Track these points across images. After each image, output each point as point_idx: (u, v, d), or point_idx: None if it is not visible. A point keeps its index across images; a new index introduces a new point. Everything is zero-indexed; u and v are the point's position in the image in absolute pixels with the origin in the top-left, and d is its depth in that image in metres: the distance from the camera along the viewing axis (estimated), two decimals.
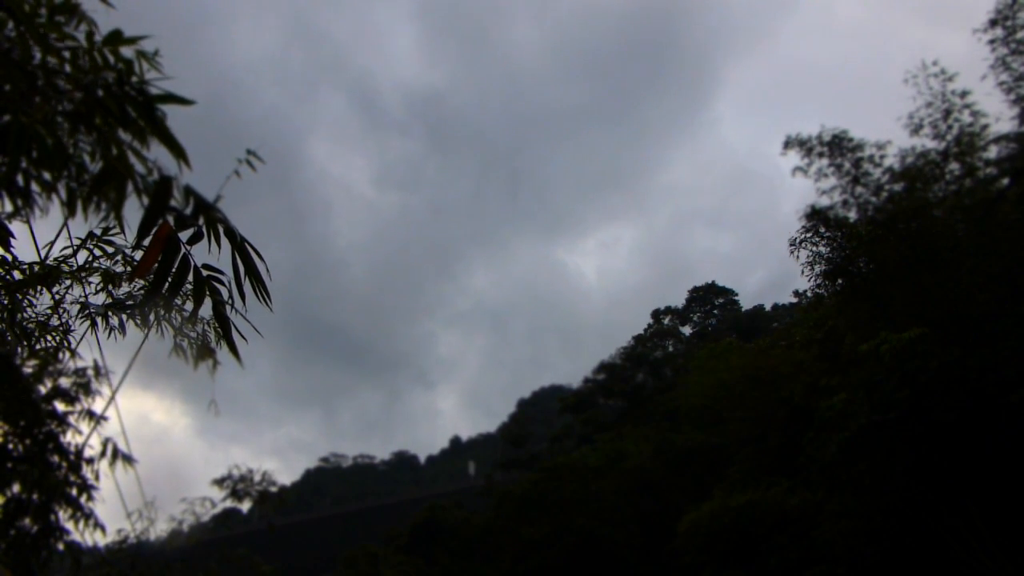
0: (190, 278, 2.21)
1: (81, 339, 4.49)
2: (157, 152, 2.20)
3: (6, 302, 4.10)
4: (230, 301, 2.33)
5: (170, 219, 2.06)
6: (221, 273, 2.27)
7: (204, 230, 2.09)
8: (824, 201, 20.96)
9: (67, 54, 2.47)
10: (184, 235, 2.12)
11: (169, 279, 2.13)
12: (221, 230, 2.12)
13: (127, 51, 2.52)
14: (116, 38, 2.41)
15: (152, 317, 4.15)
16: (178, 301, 3.63)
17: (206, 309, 2.31)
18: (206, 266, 2.24)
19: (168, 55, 2.55)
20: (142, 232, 2.04)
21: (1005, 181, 19.16)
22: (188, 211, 2.04)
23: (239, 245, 2.15)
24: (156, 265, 2.11)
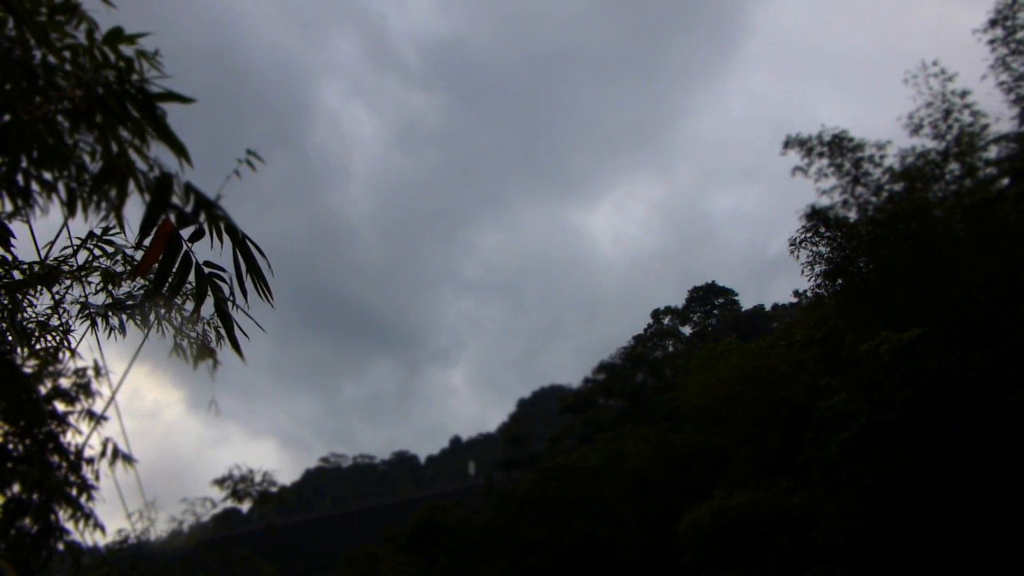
0: (191, 276, 2.21)
1: (81, 339, 4.49)
2: (158, 150, 2.19)
3: (6, 302, 4.10)
4: (231, 298, 2.33)
5: (171, 217, 2.05)
6: (223, 270, 2.27)
7: (205, 227, 2.09)
8: (824, 201, 20.99)
9: (67, 53, 2.46)
10: (185, 233, 2.12)
11: (171, 277, 2.13)
12: (222, 227, 2.11)
13: (127, 50, 2.52)
14: (116, 36, 2.41)
15: (152, 317, 4.15)
16: (179, 300, 3.63)
17: (207, 307, 2.30)
18: (207, 263, 2.24)
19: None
20: (143, 230, 2.03)
21: (1005, 181, 19.17)
22: (189, 208, 2.03)
23: (240, 242, 2.15)
24: (158, 263, 2.10)
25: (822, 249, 19.72)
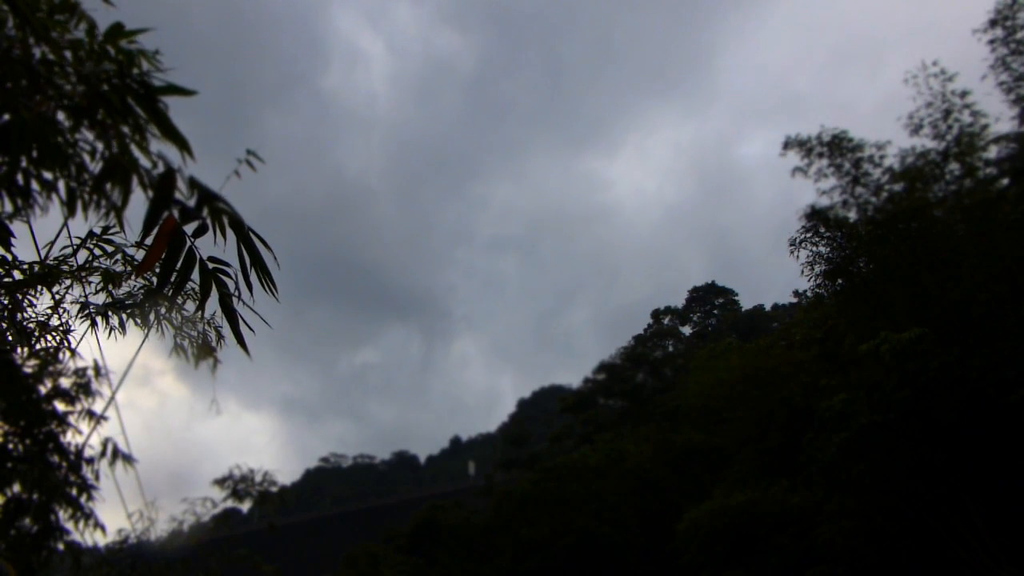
0: (196, 272, 2.20)
1: (81, 339, 4.49)
2: (159, 145, 2.18)
3: (6, 302, 4.10)
4: (237, 293, 2.32)
5: (175, 213, 2.04)
6: (227, 265, 2.26)
7: (209, 222, 2.08)
8: (824, 201, 20.98)
9: (68, 51, 2.45)
10: (189, 229, 2.11)
11: (174, 274, 2.12)
12: (226, 221, 2.10)
13: (128, 46, 2.51)
14: (117, 32, 2.40)
15: (152, 316, 4.15)
16: (180, 299, 3.62)
17: (211, 304, 2.29)
18: (212, 258, 2.23)
19: None
20: (146, 228, 2.03)
21: (1005, 181, 19.17)
22: (192, 203, 2.02)
23: (245, 235, 2.13)
24: (160, 261, 2.09)
25: (822, 249, 19.72)
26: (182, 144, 2.09)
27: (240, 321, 2.29)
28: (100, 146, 2.22)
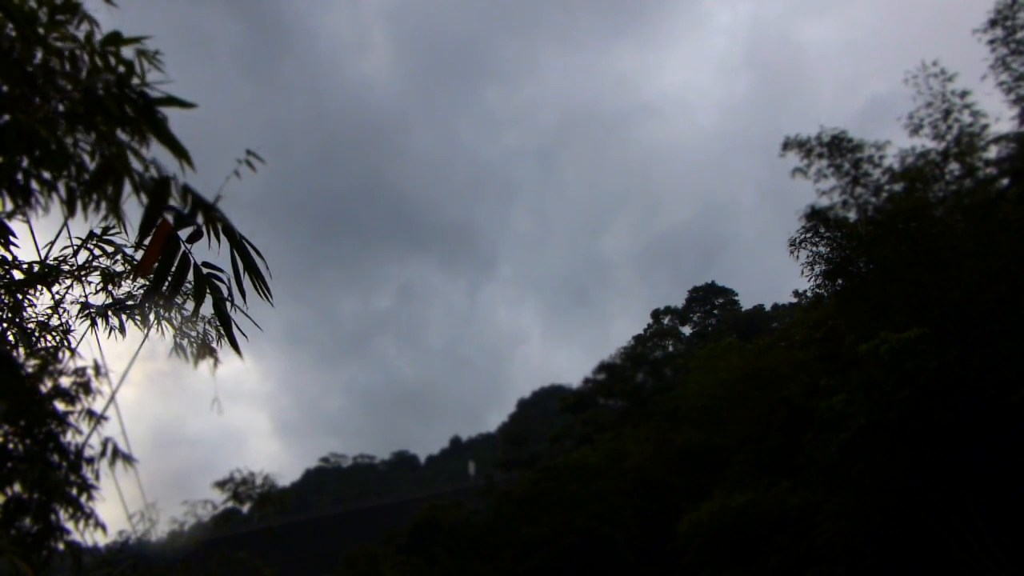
0: (191, 276, 2.21)
1: (81, 339, 4.51)
2: (157, 151, 2.20)
3: (6, 302, 4.11)
4: (230, 298, 2.34)
5: (170, 218, 2.06)
6: (221, 271, 2.27)
7: (203, 228, 2.09)
8: (824, 201, 20.99)
9: (67, 55, 2.46)
10: (184, 234, 2.12)
11: (170, 277, 2.13)
12: (220, 228, 2.12)
13: (128, 51, 2.52)
14: (115, 39, 2.40)
15: (152, 316, 4.16)
16: (178, 300, 3.64)
17: (207, 307, 2.31)
18: (206, 264, 2.25)
19: None
20: (143, 231, 2.04)
21: (1005, 181, 19.18)
22: (187, 210, 2.04)
23: (238, 242, 2.15)
24: (157, 263, 2.11)
25: (822, 249, 19.72)
26: (180, 153, 2.10)
27: (233, 325, 2.31)
28: (98, 149, 2.23)
